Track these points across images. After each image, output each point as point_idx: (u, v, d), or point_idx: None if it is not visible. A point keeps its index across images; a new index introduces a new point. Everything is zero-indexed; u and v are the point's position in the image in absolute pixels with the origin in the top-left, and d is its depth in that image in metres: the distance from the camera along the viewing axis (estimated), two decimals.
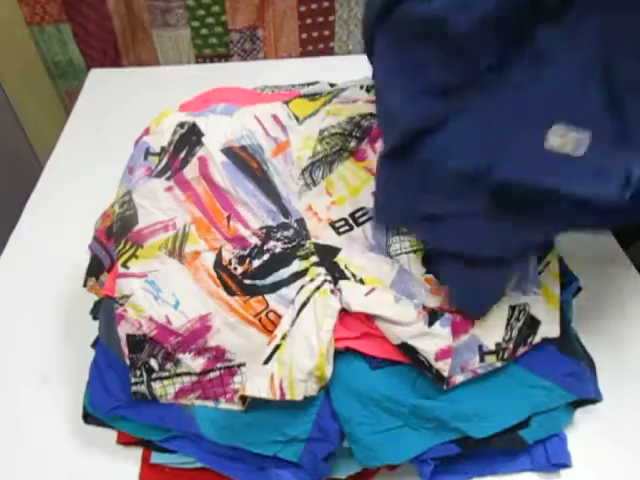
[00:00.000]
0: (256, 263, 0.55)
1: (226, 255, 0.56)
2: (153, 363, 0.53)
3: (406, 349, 0.50)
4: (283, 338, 0.50)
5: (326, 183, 0.61)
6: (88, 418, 0.58)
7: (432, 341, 0.50)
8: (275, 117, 0.65)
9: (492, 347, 0.52)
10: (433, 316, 0.51)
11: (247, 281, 0.54)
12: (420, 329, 0.50)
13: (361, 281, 0.54)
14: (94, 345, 0.62)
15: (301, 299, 0.52)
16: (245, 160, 0.62)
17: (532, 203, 0.44)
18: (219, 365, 0.52)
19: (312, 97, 0.68)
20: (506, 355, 0.52)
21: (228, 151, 0.62)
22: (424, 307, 0.52)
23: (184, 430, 0.53)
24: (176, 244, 0.57)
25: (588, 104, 0.41)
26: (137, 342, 0.53)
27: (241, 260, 0.56)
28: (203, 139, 0.62)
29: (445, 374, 0.50)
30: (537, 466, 0.55)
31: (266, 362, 0.50)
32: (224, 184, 0.60)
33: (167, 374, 0.53)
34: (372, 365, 0.52)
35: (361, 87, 0.66)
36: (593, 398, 0.57)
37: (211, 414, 0.53)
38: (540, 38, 0.41)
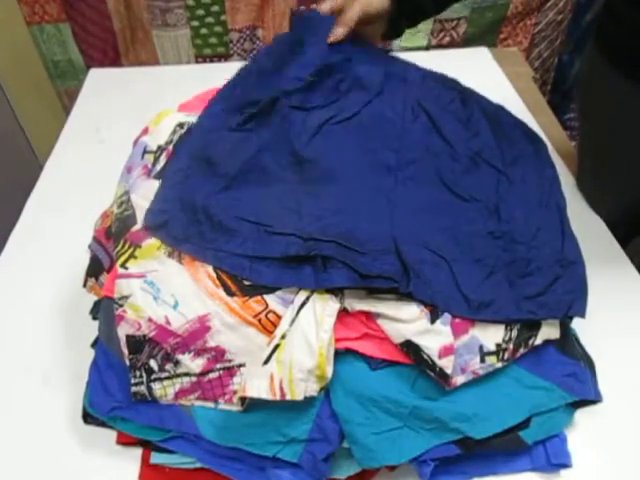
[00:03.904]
0: None
1: None
2: (153, 364, 0.53)
3: (409, 347, 0.50)
4: (282, 338, 0.50)
5: None
6: (88, 418, 0.58)
7: (435, 338, 0.50)
8: None
9: (492, 348, 0.52)
10: (434, 314, 0.51)
11: (247, 281, 0.54)
12: (423, 326, 0.50)
13: None
14: (94, 345, 0.62)
15: (300, 299, 0.52)
16: None
17: None
18: (218, 366, 0.52)
19: None
20: (506, 356, 0.52)
21: None
22: (425, 305, 0.52)
23: (184, 431, 0.53)
24: None
25: None
26: (137, 343, 0.53)
27: None
28: None
29: (448, 371, 0.50)
30: (537, 466, 0.55)
31: (266, 362, 0.49)
32: None
33: (167, 375, 0.53)
34: (372, 366, 0.52)
35: None
36: (593, 398, 0.57)
37: (211, 415, 0.53)
38: None
